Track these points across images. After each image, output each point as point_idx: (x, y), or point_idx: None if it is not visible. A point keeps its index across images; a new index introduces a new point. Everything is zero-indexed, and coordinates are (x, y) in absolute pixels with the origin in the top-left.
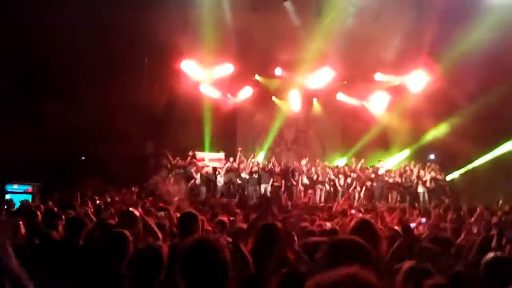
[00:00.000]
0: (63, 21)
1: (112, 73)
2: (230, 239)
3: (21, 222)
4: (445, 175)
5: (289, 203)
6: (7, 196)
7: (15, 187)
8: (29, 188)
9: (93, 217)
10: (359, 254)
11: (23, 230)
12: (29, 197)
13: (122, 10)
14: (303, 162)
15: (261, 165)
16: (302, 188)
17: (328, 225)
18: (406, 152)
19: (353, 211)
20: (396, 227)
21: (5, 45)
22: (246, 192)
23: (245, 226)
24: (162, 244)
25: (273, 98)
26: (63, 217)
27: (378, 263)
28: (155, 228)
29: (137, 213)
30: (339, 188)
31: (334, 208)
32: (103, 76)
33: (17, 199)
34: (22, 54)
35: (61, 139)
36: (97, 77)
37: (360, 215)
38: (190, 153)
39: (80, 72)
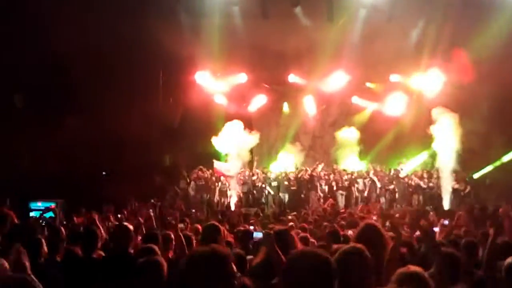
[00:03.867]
0: (81, 36)
1: (130, 86)
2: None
3: (43, 240)
4: (468, 176)
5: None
6: (32, 214)
7: (39, 204)
8: (53, 205)
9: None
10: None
11: (45, 248)
12: (51, 214)
13: (137, 23)
14: (319, 168)
15: (278, 174)
16: (321, 195)
17: (350, 232)
18: (425, 154)
19: (374, 217)
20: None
21: (26, 62)
22: (265, 201)
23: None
24: (161, 258)
25: (286, 108)
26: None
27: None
28: (177, 240)
29: (131, 227)
30: (356, 193)
31: (354, 214)
32: (120, 91)
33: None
34: (42, 71)
35: (81, 154)
36: (115, 91)
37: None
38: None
39: (98, 87)
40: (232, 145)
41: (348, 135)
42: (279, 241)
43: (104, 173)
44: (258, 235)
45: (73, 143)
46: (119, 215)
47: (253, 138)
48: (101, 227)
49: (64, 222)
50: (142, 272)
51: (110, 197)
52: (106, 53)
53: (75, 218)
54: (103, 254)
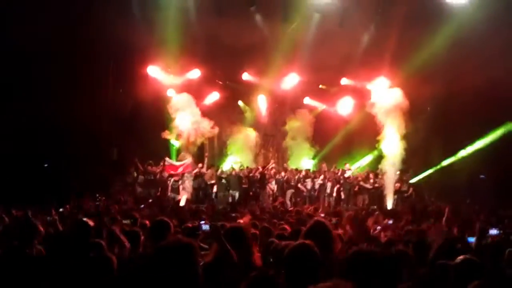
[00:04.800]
0: (32, 24)
1: (78, 77)
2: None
3: None
4: (410, 178)
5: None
6: None
7: None
8: None
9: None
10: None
11: None
12: None
13: (88, 14)
14: (270, 166)
15: (229, 171)
16: (271, 193)
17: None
18: (371, 156)
19: (322, 215)
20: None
21: None
22: (215, 198)
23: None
24: (111, 254)
25: (241, 103)
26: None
27: (329, 263)
28: (122, 237)
29: (91, 223)
30: (305, 192)
31: (302, 212)
32: (68, 80)
33: None
34: None
35: (23, 144)
36: (63, 81)
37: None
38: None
39: (45, 74)
40: (187, 120)
41: (298, 126)
42: (233, 238)
43: (46, 164)
44: (206, 227)
45: (15, 132)
46: (61, 209)
47: (207, 123)
48: (40, 221)
49: (3, 216)
50: (92, 268)
51: (52, 189)
52: (56, 42)
53: (13, 211)
54: (42, 249)
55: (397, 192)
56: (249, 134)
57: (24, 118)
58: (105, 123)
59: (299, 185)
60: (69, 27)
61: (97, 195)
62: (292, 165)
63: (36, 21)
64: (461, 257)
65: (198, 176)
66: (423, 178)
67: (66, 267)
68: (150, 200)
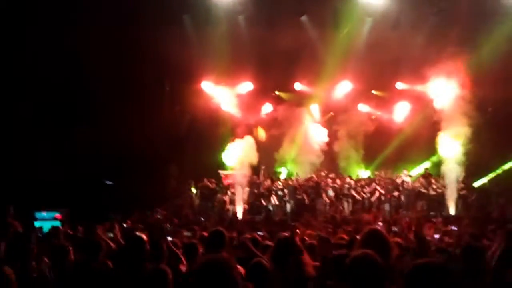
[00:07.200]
0: (87, 46)
1: (135, 96)
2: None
3: (70, 248)
4: (472, 182)
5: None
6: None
7: (44, 214)
8: (58, 215)
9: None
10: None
11: (72, 256)
12: (58, 223)
13: (142, 32)
14: (328, 175)
15: (282, 182)
16: (327, 201)
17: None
18: (430, 161)
19: (380, 223)
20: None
21: (33, 71)
22: (271, 209)
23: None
24: (166, 267)
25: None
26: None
27: (389, 272)
28: (177, 250)
29: (144, 237)
30: (361, 200)
31: (361, 220)
32: (125, 100)
33: (46, 226)
34: (48, 78)
35: (85, 163)
36: (120, 101)
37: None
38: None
39: (103, 96)
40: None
41: (353, 144)
42: (284, 248)
43: (108, 182)
44: None
45: (77, 152)
46: (124, 225)
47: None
48: (105, 237)
49: (70, 232)
50: (149, 280)
51: (115, 206)
52: (111, 63)
53: (80, 228)
54: (110, 265)
55: (460, 198)
56: (304, 143)
57: (83, 140)
58: (164, 141)
59: (354, 193)
60: (123, 48)
61: (158, 209)
62: (346, 173)
63: (92, 44)
64: None
65: (254, 187)
66: (487, 182)
67: (126, 281)
68: (208, 213)
